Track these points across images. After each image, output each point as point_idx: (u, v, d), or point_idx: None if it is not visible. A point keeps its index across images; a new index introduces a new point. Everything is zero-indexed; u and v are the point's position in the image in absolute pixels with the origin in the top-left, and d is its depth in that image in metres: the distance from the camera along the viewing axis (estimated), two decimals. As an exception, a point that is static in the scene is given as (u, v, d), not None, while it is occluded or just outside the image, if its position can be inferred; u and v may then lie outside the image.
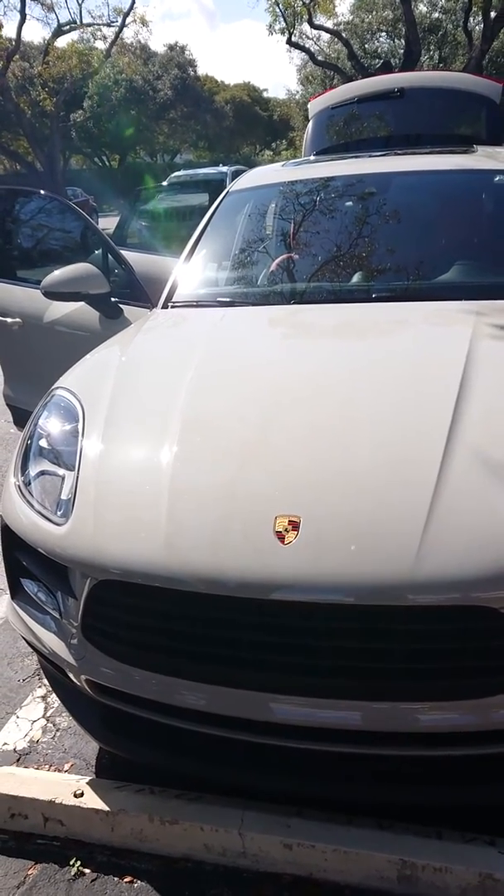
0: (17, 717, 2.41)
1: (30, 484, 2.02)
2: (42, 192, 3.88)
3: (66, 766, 2.19)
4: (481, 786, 1.68)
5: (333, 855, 1.74)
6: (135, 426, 2.02)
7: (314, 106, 5.18)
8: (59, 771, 2.16)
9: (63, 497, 1.90)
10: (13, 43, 22.10)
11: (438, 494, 1.57)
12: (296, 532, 1.57)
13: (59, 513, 1.86)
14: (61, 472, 1.98)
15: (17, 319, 3.58)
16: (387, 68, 16.13)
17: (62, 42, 26.65)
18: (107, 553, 1.71)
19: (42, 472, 2.03)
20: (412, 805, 1.81)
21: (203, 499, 1.73)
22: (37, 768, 2.17)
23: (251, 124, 47.13)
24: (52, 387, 2.31)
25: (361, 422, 1.85)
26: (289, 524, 1.58)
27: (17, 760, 2.22)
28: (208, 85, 45.09)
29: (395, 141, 4.57)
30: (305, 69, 33.11)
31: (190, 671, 1.67)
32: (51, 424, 2.15)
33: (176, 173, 15.70)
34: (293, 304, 2.71)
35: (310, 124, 5.15)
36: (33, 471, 2.04)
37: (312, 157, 4.44)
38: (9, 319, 3.62)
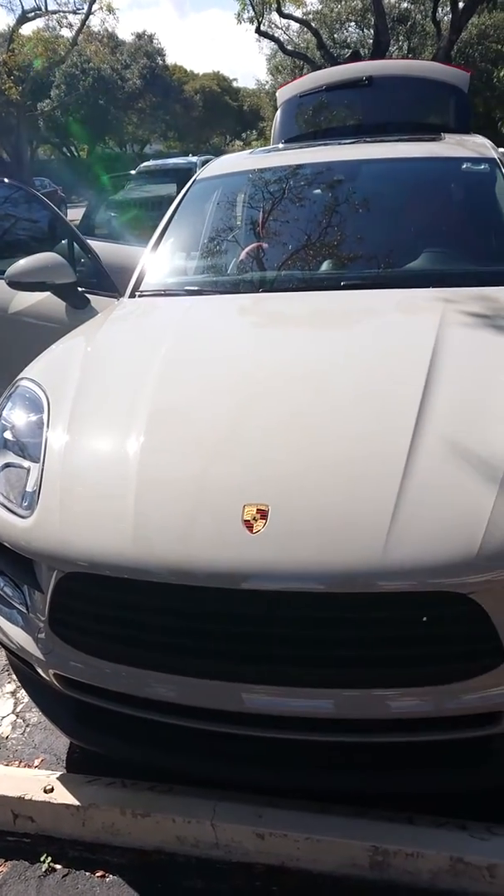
0: (-14, 714, 2.38)
1: (-6, 477, 1.98)
2: (6, 180, 3.81)
3: (37, 762, 2.16)
4: (454, 770, 1.68)
5: (305, 843, 1.74)
6: (101, 417, 1.99)
7: (282, 94, 5.15)
8: (30, 767, 2.14)
9: (28, 489, 1.87)
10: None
11: (406, 482, 1.57)
12: (264, 521, 1.56)
13: (24, 505, 1.83)
14: (26, 464, 1.94)
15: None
16: (356, 58, 16.08)
17: (27, 29, 26.22)
18: (73, 545, 1.68)
19: (7, 465, 1.99)
20: (387, 793, 1.82)
21: (171, 489, 1.71)
22: (6, 765, 2.15)
23: (221, 114, 46.81)
24: (17, 378, 2.27)
25: (330, 411, 1.84)
26: (257, 513, 1.57)
27: (-14, 757, 2.19)
28: (177, 74, 44.66)
29: (363, 129, 4.56)
30: (275, 59, 32.95)
31: (161, 663, 1.65)
32: (15, 416, 2.11)
33: (145, 163, 15.56)
34: (262, 292, 2.69)
35: (278, 112, 5.11)
36: (-1, 463, 2.00)
37: (281, 145, 4.41)
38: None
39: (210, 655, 1.61)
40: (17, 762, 2.16)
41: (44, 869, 1.83)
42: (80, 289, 3.15)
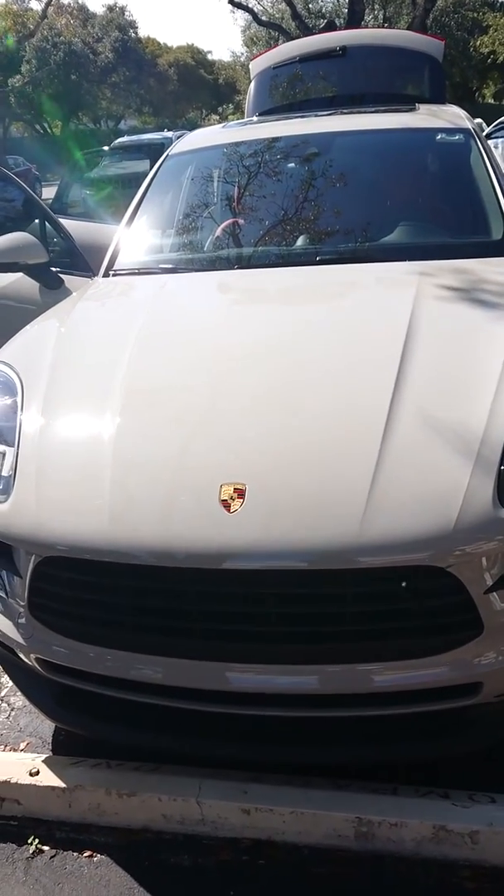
0: (-29, 699, 2.38)
1: (-32, 462, 1.95)
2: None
3: (22, 745, 2.16)
4: (438, 741, 1.70)
5: (291, 817, 1.76)
6: (76, 398, 1.97)
7: (256, 66, 5.07)
8: (15, 750, 2.14)
9: (3, 474, 1.84)
10: None
11: (383, 457, 1.57)
12: (241, 500, 1.55)
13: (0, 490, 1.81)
14: (1, 448, 1.92)
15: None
16: (331, 28, 15.84)
17: (-5, 3, 25.60)
18: (50, 529, 1.67)
19: (-18, 450, 1.96)
20: (369, 764, 1.84)
21: (147, 470, 1.70)
22: (-8, 749, 2.15)
23: (196, 88, 46.10)
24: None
25: (306, 387, 1.83)
26: (234, 492, 1.56)
27: (-29, 742, 2.19)
28: (150, 48, 43.88)
29: (338, 100, 4.50)
30: (249, 30, 32.49)
31: (143, 644, 1.65)
32: (-11, 399, 2.08)
33: (120, 139, 15.29)
34: (238, 269, 2.66)
35: (251, 85, 5.04)
36: (-29, 449, 1.98)
37: (255, 118, 4.34)
38: None
39: (192, 635, 1.61)
40: (2, 746, 2.16)
41: (31, 851, 1.84)
42: (53, 269, 3.10)
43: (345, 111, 3.55)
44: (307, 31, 17.63)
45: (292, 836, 1.78)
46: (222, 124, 3.91)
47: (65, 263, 3.14)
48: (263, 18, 24.21)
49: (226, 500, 1.55)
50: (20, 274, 3.08)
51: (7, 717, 2.28)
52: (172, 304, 2.46)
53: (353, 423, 1.68)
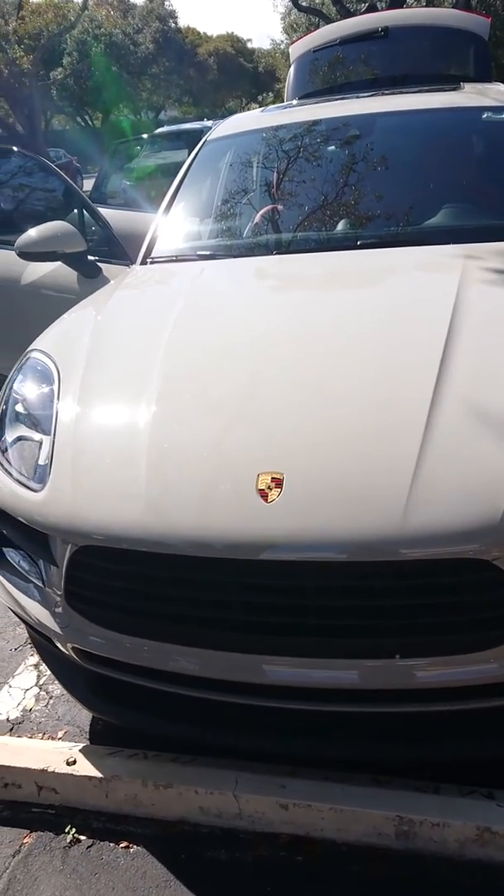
0: (10, 687, 2.39)
1: (6, 451, 1.95)
2: (15, 148, 3.73)
3: (60, 734, 2.16)
4: (484, 739, 1.65)
5: (330, 813, 1.72)
6: (112, 386, 1.95)
7: (295, 50, 4.99)
8: (53, 739, 2.14)
9: (41, 463, 1.83)
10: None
11: (426, 447, 1.51)
12: (279, 489, 1.51)
13: (36, 479, 1.80)
14: (38, 437, 1.91)
15: (-6, 283, 3.47)
16: (372, 11, 15.58)
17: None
18: (87, 518, 1.65)
19: (19, 438, 1.96)
20: (414, 763, 1.79)
21: (184, 458, 1.67)
22: (30, 737, 2.15)
23: (236, 77, 45.79)
24: (28, 349, 2.23)
25: (346, 375, 1.78)
26: (272, 481, 1.52)
27: (10, 730, 2.20)
28: (190, 37, 43.69)
29: (380, 83, 4.40)
30: (290, 16, 32.09)
31: (180, 635, 1.63)
32: (26, 388, 2.07)
33: (160, 129, 15.26)
34: (277, 254, 2.61)
35: (291, 69, 4.96)
36: (10, 437, 1.97)
37: (295, 102, 4.27)
38: (-13, 283, 3.51)
39: (229, 627, 1.58)
40: (40, 734, 2.17)
41: (68, 840, 1.83)
42: (91, 257, 3.09)
43: (386, 92, 3.45)
44: (348, 15, 17.37)
45: (331, 833, 1.74)
46: (261, 109, 3.84)
47: (103, 252, 3.12)
48: (303, 3, 23.90)
49: (263, 490, 1.52)
50: (58, 263, 3.08)
51: (46, 706, 2.29)
52: (210, 290, 2.43)
53: (394, 412, 1.62)
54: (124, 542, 1.59)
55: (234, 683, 1.62)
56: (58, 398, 1.94)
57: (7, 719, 2.24)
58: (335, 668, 1.52)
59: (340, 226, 2.66)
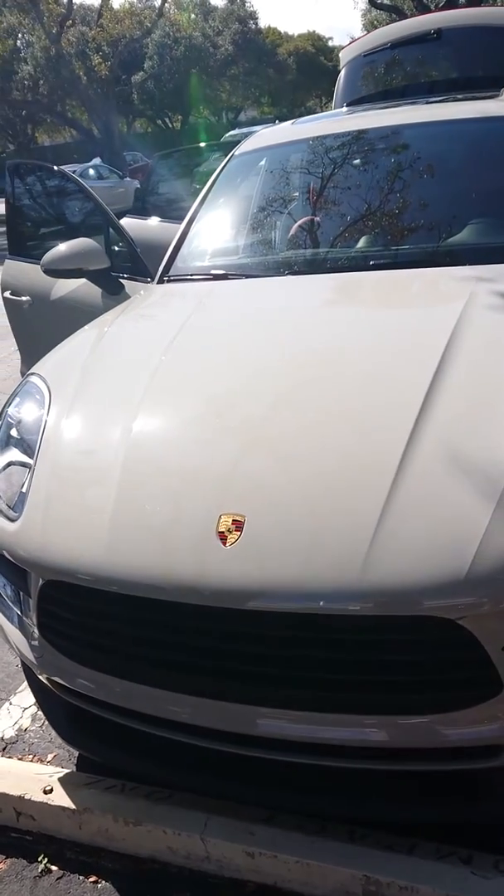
0: (10, 704, 2.41)
1: (-5, 477, 1.96)
2: (54, 166, 3.78)
3: (50, 757, 2.17)
4: (450, 805, 1.56)
5: (296, 867, 1.66)
6: (94, 414, 1.94)
7: (346, 54, 4.88)
8: (42, 761, 2.15)
9: (23, 490, 1.84)
10: (66, 8, 21.78)
11: (394, 494, 1.43)
12: (239, 532, 1.46)
13: (16, 507, 1.81)
14: (28, 462, 1.92)
15: (27, 298, 3.53)
16: (451, 7, 15.15)
17: (117, 2, 26.26)
18: (52, 553, 1.64)
19: (9, 464, 1.97)
20: (381, 821, 1.70)
21: (150, 496, 1.64)
22: (20, 758, 2.16)
23: (315, 76, 45.49)
24: (28, 372, 2.25)
25: (323, 414, 1.70)
26: (232, 524, 1.47)
27: (3, 749, 2.21)
28: (271, 37, 43.75)
29: (433, 87, 4.26)
30: (370, 14, 31.76)
31: (140, 675, 1.60)
32: (22, 412, 2.08)
33: (232, 132, 15.33)
34: (288, 275, 2.54)
35: (341, 74, 4.86)
36: (1, 462, 1.98)
37: (344, 109, 4.17)
38: (21, 297, 3.58)
39: (190, 670, 1.54)
40: (31, 756, 2.18)
41: (40, 869, 1.83)
42: (115, 274, 3.09)
43: (420, 101, 3.32)
44: (425, 11, 17.01)
45: (298, 886, 1.68)
46: (291, 121, 3.77)
47: (127, 268, 3.12)
48: (379, 0, 23.55)
49: (223, 532, 1.47)
50: (84, 279, 3.09)
51: (40, 727, 2.30)
52: (208, 316, 2.37)
53: (366, 455, 1.54)
54: (86, 580, 1.58)
55: (191, 726, 1.58)
56: (45, 425, 1.94)
57: (1, 737, 2.26)
58: (283, 718, 1.46)
59: (361, 243, 2.57)
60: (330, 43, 48.90)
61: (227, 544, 1.45)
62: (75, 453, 1.84)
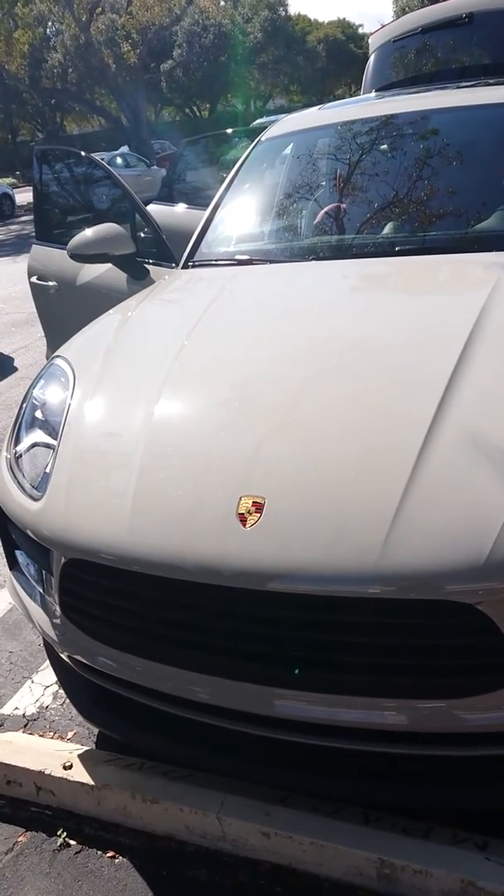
0: (32, 682, 2.45)
1: (21, 457, 1.99)
2: (81, 152, 3.79)
3: (70, 734, 2.20)
4: (467, 790, 1.55)
5: (311, 847, 1.67)
6: (117, 398, 1.95)
7: (375, 40, 4.83)
8: (62, 738, 2.18)
9: (47, 471, 1.86)
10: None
11: (414, 480, 1.42)
12: (258, 514, 1.46)
13: (40, 487, 1.83)
14: (52, 443, 1.94)
15: (54, 283, 3.56)
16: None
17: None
18: (74, 532, 1.66)
19: (34, 444, 1.99)
20: (398, 805, 1.71)
21: (172, 477, 1.65)
22: (41, 735, 2.20)
23: (345, 63, 45.04)
24: (52, 355, 2.27)
25: (345, 399, 1.70)
26: (252, 506, 1.48)
27: (25, 726, 2.25)
28: (300, 24, 43.43)
29: (464, 73, 4.20)
30: (401, 0, 31.32)
31: (160, 654, 1.61)
32: (47, 394, 2.11)
33: (259, 119, 15.23)
34: (312, 260, 2.53)
35: (370, 60, 4.81)
36: (25, 444, 2.01)
37: (373, 95, 4.13)
38: (48, 283, 3.61)
39: (209, 650, 1.55)
40: (51, 733, 2.21)
41: (59, 843, 1.87)
42: (140, 259, 3.10)
43: (450, 86, 3.28)
44: (458, -3, 16.74)
45: (313, 867, 1.69)
46: (318, 107, 3.74)
47: (152, 254, 3.13)
48: (413, -13, 23.19)
49: (243, 514, 1.47)
50: (110, 264, 3.11)
51: (61, 705, 2.33)
52: (232, 301, 2.38)
53: (388, 439, 1.53)
54: (108, 559, 1.59)
55: (212, 706, 1.59)
56: (68, 407, 1.96)
57: (23, 714, 2.30)
58: (302, 700, 1.47)
59: (386, 230, 2.55)
60: (360, 30, 48.40)
61: (247, 525, 1.46)
62: (98, 435, 1.86)
